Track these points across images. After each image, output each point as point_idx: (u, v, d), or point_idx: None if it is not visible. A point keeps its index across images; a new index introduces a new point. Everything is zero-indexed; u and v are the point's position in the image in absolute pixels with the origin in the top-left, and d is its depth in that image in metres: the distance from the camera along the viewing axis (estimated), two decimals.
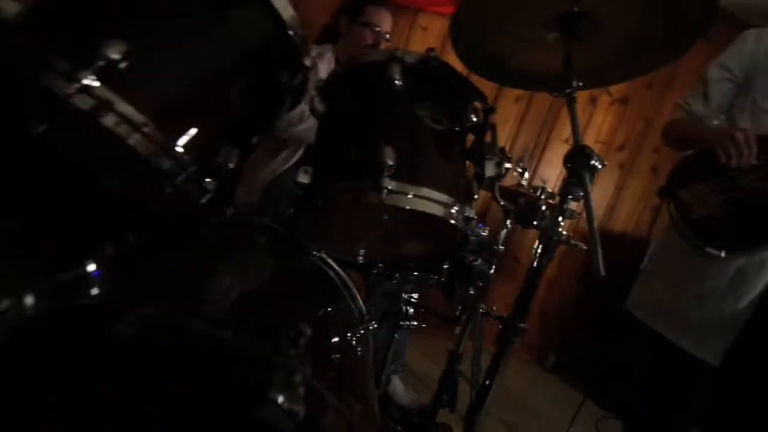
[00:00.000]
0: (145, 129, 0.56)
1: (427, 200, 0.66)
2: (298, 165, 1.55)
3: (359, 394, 0.69)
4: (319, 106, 0.82)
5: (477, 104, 0.83)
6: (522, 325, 0.85)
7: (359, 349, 0.86)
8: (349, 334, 0.84)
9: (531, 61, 0.89)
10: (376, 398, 0.79)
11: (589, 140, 2.69)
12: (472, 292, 1.07)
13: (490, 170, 0.83)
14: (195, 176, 0.62)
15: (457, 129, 0.80)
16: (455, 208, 0.70)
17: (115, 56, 0.53)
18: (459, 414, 1.65)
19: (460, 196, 0.73)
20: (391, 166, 0.64)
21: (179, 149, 0.60)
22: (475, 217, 0.73)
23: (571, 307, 2.76)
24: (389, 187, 0.63)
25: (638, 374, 1.65)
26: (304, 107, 1.01)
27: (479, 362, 1.52)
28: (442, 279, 1.05)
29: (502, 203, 0.85)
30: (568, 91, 0.83)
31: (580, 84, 0.83)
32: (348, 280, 0.99)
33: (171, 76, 0.60)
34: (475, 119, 0.81)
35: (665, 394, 1.41)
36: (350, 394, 0.66)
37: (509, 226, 1.50)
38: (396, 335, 1.30)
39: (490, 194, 0.90)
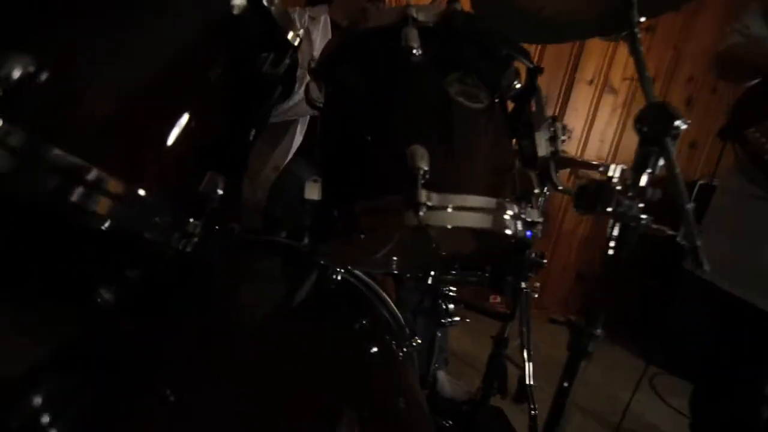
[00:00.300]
0: (89, 176, 0.40)
1: (473, 212, 0.50)
2: (301, 152, 1.40)
3: (402, 391, 0.66)
4: (317, 94, 0.64)
5: (518, 65, 0.64)
6: (597, 332, 0.71)
7: (401, 355, 0.77)
8: (389, 343, 0.76)
9: (568, 5, 0.69)
10: (423, 395, 0.73)
11: (616, 77, 2.42)
12: (524, 285, 0.92)
13: (542, 148, 0.65)
14: (171, 223, 0.47)
15: (496, 101, 0.61)
16: (509, 211, 0.53)
17: (19, 75, 0.37)
18: (510, 396, 1.56)
19: (515, 194, 0.56)
20: (425, 172, 0.47)
21: (141, 193, 0.44)
22: (540, 219, 0.56)
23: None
24: (428, 203, 0.46)
25: (700, 334, 1.51)
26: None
27: (529, 348, 1.39)
28: (487, 274, 0.89)
29: (561, 188, 0.67)
30: (627, 32, 0.64)
31: (641, 19, 0.65)
32: (380, 291, 0.87)
33: (108, 92, 0.43)
34: (517, 85, 0.62)
35: (737, 355, 1.28)
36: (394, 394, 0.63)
37: (547, 193, 1.32)
38: (438, 333, 1.18)
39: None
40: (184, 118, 0.50)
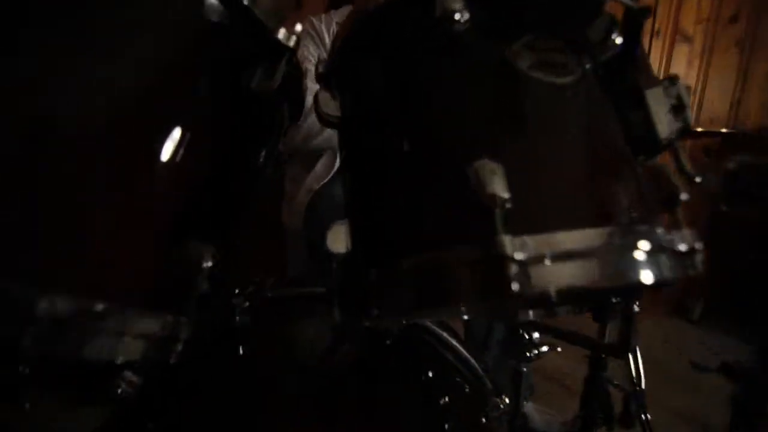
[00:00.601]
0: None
1: (586, 259, 0.30)
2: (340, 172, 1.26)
3: None
4: (330, 108, 0.47)
5: (609, 11, 0.44)
6: None
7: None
8: (461, 389, 0.71)
9: None
10: None
11: (688, 21, 2.05)
12: (637, 308, 0.70)
13: (664, 125, 0.44)
14: (146, 338, 0.33)
15: (588, 67, 0.41)
16: (644, 243, 0.32)
17: None
18: (616, 419, 1.31)
19: (646, 208, 0.36)
20: (505, 201, 0.29)
21: (99, 308, 0.30)
22: (699, 245, 0.35)
23: (706, 243, 2.18)
24: (518, 257, 0.27)
25: None
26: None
27: (639, 369, 1.13)
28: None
29: (697, 179, 0.45)
30: None
31: None
32: (444, 336, 0.72)
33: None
34: (617, 39, 0.42)
35: None
36: None
37: None
38: (524, 369, 0.97)
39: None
40: (145, 188, 0.36)
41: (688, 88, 0.47)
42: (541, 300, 0.49)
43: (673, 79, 0.46)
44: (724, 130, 1.55)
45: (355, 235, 0.40)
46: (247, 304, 0.63)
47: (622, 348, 0.77)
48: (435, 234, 0.33)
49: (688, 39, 2.06)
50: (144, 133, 0.37)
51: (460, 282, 0.30)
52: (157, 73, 0.40)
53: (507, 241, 0.28)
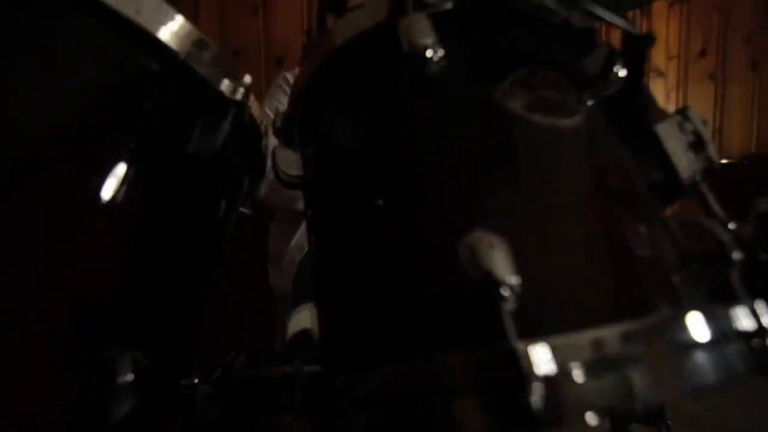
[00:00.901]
0: None
1: (629, 370, 0.21)
2: None
3: None
4: (290, 167, 0.40)
5: (605, 43, 0.38)
6: None
7: None
8: None
9: None
10: None
11: (659, 58, 2.10)
12: None
13: (684, 166, 0.38)
14: None
15: (589, 104, 0.35)
16: (700, 331, 0.23)
17: None
18: None
19: (687, 280, 0.28)
20: (512, 288, 0.21)
21: None
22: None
23: None
24: (540, 372, 0.19)
25: None
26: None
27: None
28: None
29: (732, 226, 0.38)
30: None
31: None
32: None
33: None
34: (619, 72, 0.36)
35: None
36: None
37: None
38: None
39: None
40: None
41: (705, 121, 0.41)
42: None
43: (686, 113, 0.40)
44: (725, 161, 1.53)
45: (321, 322, 0.31)
46: (209, 392, 0.52)
47: (656, 415, 0.66)
48: (418, 334, 0.24)
49: (661, 74, 2.11)
50: (49, 200, 0.28)
51: (454, 406, 0.21)
52: (80, 131, 0.33)
53: (522, 348, 0.19)
